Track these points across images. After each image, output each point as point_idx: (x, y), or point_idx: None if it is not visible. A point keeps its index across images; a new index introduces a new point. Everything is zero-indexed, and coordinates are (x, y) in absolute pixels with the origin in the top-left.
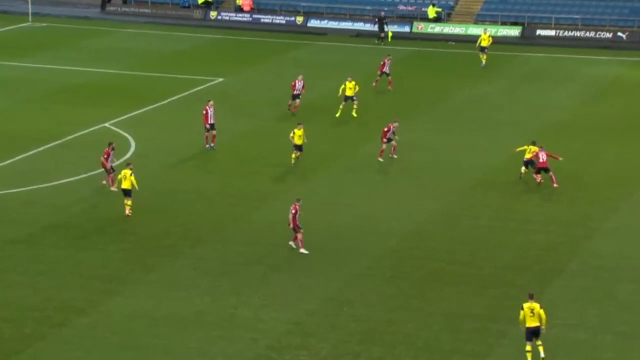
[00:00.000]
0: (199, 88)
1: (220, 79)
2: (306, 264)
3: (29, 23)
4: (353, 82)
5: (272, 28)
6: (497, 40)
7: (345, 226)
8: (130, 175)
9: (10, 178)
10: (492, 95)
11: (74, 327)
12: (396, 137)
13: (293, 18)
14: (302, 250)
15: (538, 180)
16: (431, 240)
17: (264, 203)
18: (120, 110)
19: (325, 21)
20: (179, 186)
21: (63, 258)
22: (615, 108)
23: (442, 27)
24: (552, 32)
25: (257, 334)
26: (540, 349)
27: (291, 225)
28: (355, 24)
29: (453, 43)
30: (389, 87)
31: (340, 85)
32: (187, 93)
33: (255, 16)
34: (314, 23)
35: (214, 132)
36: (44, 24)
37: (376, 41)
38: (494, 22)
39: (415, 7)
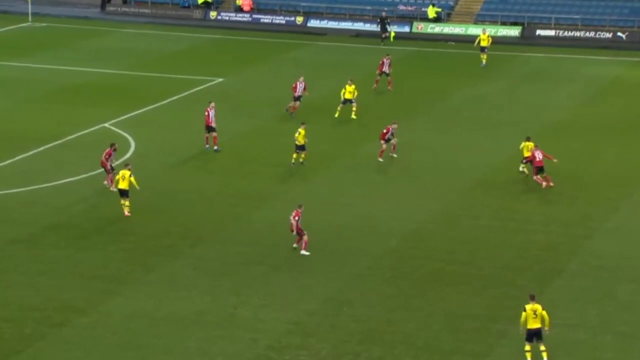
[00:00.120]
0: (198, 88)
1: (220, 79)
2: (306, 264)
3: (29, 23)
4: (353, 86)
5: (272, 28)
6: (497, 40)
7: (345, 226)
8: (130, 175)
9: (10, 178)
10: (492, 95)
11: (74, 327)
12: (395, 138)
13: (293, 18)
14: (303, 252)
15: (544, 185)
16: (431, 240)
17: (264, 203)
18: (120, 110)
19: (325, 21)
20: (179, 186)
21: (63, 258)
22: (615, 108)
23: (442, 27)
24: (552, 32)
25: (257, 334)
26: (544, 354)
27: (294, 232)
28: (355, 24)
29: (453, 43)
30: (389, 87)
31: (341, 88)
32: (187, 93)
33: (255, 16)
34: (313, 23)
35: (214, 134)
36: (44, 24)
37: (382, 42)
38: (493, 22)
39: (415, 7)
